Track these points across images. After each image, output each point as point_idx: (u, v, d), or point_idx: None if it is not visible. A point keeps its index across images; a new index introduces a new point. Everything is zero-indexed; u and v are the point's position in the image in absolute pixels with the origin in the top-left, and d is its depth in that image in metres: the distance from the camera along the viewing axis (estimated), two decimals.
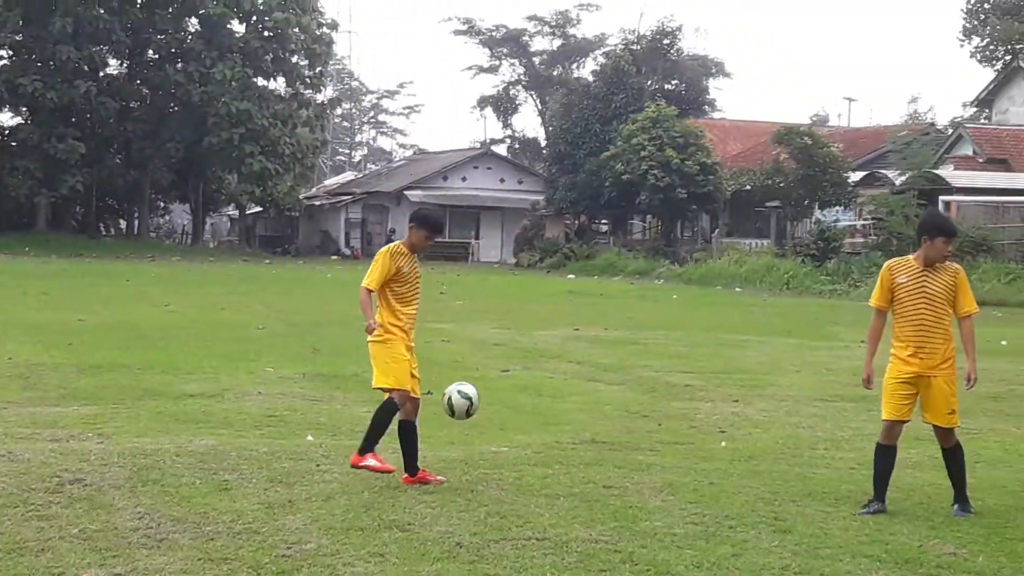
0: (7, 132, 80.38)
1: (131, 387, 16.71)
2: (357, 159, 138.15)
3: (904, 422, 10.35)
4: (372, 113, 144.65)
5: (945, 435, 10.34)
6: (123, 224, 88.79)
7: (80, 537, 8.82)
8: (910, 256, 10.60)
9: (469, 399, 11.32)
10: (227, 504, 9.91)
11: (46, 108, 73.24)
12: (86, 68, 75.25)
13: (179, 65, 76.86)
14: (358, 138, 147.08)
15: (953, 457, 10.38)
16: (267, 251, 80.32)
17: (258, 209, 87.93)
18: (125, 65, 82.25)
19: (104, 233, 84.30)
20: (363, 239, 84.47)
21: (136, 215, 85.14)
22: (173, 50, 78.27)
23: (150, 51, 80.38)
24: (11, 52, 77.32)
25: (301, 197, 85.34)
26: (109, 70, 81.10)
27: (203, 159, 78.21)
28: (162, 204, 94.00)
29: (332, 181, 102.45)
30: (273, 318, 29.21)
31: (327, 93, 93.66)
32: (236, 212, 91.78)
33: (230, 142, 74.68)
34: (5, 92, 73.12)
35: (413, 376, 11.19)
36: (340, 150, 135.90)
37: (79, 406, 15.01)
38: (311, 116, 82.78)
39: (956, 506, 10.22)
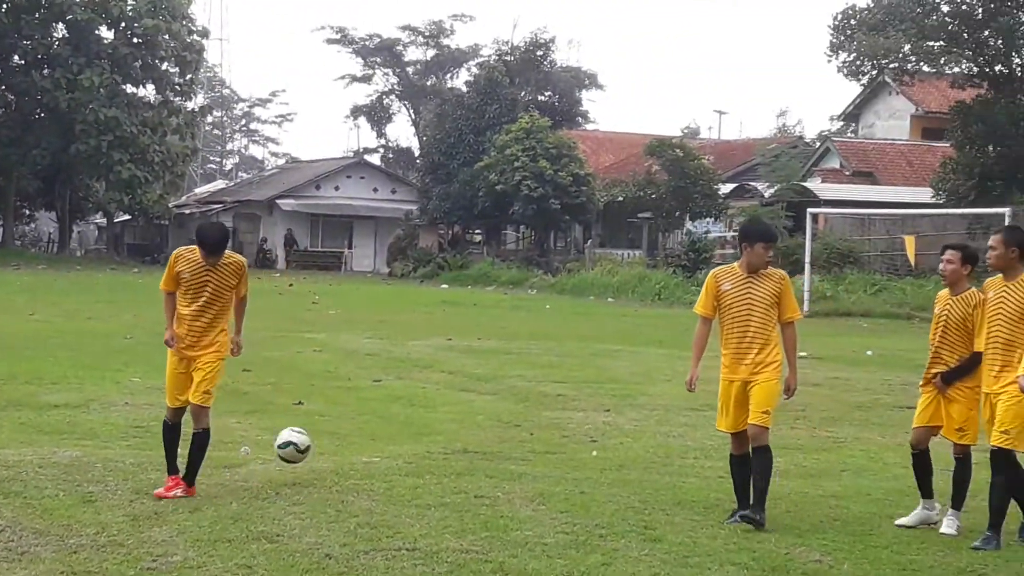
0: None
1: None
2: (228, 167, 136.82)
3: (738, 433, 10.33)
4: (244, 121, 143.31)
5: (757, 433, 10.18)
6: None
7: None
8: (735, 264, 10.60)
9: (290, 445, 11.06)
10: (91, 516, 9.72)
11: None
12: None
13: (46, 71, 75.42)
14: (229, 146, 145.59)
15: (759, 458, 10.18)
16: (136, 260, 79.13)
17: (127, 217, 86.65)
18: None
19: None
20: (234, 248, 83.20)
21: (0, 223, 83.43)
22: (40, 56, 76.76)
23: (15, 57, 78.69)
24: None
25: (171, 205, 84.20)
26: None
27: (70, 166, 76.81)
28: (27, 212, 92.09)
29: (203, 189, 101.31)
30: (141, 328, 28.74)
31: (198, 101, 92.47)
32: (104, 220, 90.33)
33: (98, 149, 73.46)
34: None
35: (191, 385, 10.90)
36: (211, 158, 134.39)
37: None
38: (181, 124, 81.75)
39: (743, 513, 10.07)
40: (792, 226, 49.93)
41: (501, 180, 64.89)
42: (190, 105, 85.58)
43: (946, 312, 10.34)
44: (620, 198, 64.39)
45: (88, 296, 41.22)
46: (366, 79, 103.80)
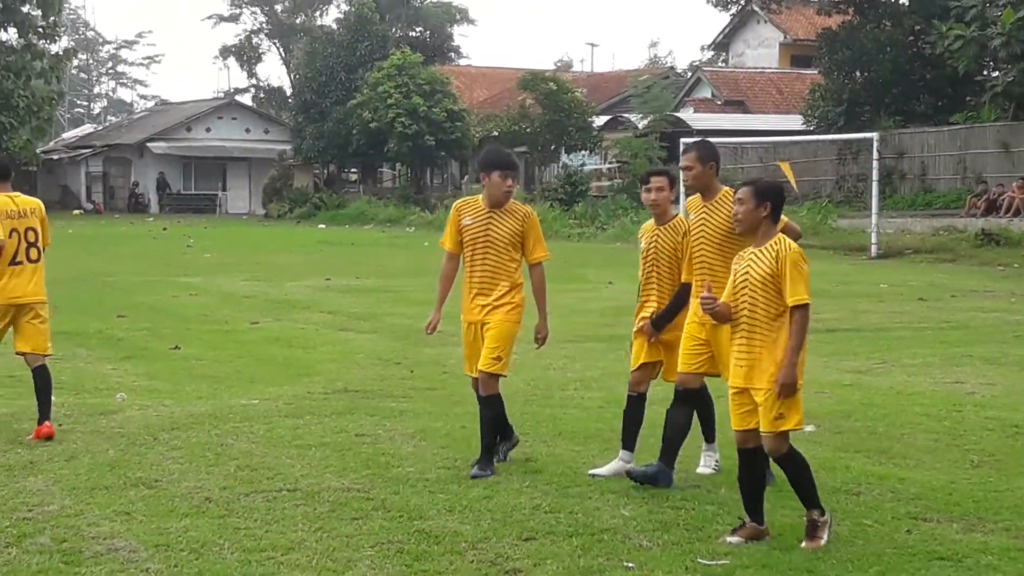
0: None
1: None
2: (97, 111, 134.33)
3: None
4: (110, 64, 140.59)
5: (483, 380, 9.49)
6: None
7: None
8: (480, 196, 9.77)
9: None
10: None
11: None
12: None
13: None
14: (96, 90, 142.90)
15: (485, 408, 9.58)
16: None
17: None
18: None
19: None
20: (105, 193, 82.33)
21: None
22: None
23: None
24: None
25: (38, 151, 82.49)
26: None
27: None
28: None
29: (71, 134, 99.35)
30: None
31: (62, 44, 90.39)
32: None
33: None
34: None
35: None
36: (78, 102, 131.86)
37: None
38: (46, 68, 79.81)
39: (476, 467, 9.42)
40: (667, 156, 50.26)
41: (375, 118, 64.58)
42: (54, 48, 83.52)
43: (655, 244, 9.40)
44: (495, 133, 64.31)
45: None
46: (234, 19, 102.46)
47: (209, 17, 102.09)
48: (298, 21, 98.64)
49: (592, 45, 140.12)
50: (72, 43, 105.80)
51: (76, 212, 76.14)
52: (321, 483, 9.04)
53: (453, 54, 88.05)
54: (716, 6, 62.05)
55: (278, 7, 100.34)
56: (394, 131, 63.76)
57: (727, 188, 8.89)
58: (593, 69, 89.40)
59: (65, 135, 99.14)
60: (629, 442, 9.45)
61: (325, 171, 79.46)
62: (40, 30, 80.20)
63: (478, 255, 9.54)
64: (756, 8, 64.99)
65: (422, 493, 8.77)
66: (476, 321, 9.53)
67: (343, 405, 12.25)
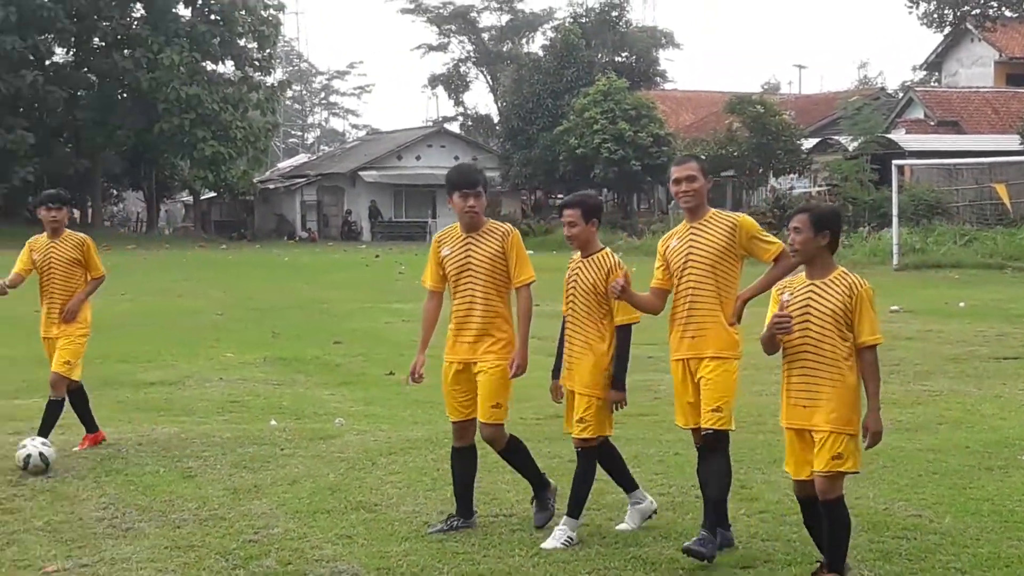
0: None
1: (91, 377, 16.45)
2: (310, 141, 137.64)
3: (462, 422, 8.85)
4: (323, 94, 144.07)
5: (486, 434, 8.80)
6: (76, 214, 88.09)
7: (45, 529, 8.78)
8: (456, 224, 8.95)
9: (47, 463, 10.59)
10: (192, 491, 9.88)
11: None
12: (31, 57, 74.40)
13: (126, 52, 76.09)
14: (310, 120, 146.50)
15: (504, 456, 9.04)
16: (223, 236, 79.84)
17: (212, 194, 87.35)
18: (71, 53, 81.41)
19: None
20: (319, 221, 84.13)
21: (89, 204, 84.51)
22: (119, 36, 77.51)
23: (96, 38, 79.54)
24: None
25: (255, 181, 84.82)
26: (55, 58, 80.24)
27: (155, 145, 77.52)
28: (115, 192, 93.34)
29: (286, 164, 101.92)
30: (231, 303, 29.09)
31: (277, 75, 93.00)
32: (190, 198, 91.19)
33: (181, 128, 74.11)
34: None
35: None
36: (292, 132, 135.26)
37: (39, 398, 14.85)
38: (262, 99, 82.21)
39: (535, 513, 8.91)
40: (878, 179, 49.34)
41: (581, 143, 64.76)
42: (269, 80, 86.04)
43: (574, 278, 8.61)
44: (702, 157, 63.71)
45: (177, 274, 41.70)
46: (442, 48, 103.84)
47: (418, 47, 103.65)
48: (505, 49, 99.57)
49: (800, 67, 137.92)
50: (287, 75, 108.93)
51: (290, 240, 77.97)
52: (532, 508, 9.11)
53: (659, 79, 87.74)
54: (928, 26, 60.77)
55: (485, 36, 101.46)
56: (600, 157, 63.86)
57: (715, 209, 8.32)
58: (801, 91, 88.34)
59: (280, 165, 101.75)
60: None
61: (532, 197, 79.98)
62: (256, 63, 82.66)
63: (460, 285, 8.75)
64: (970, 27, 63.48)
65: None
66: (459, 359, 8.76)
67: (555, 431, 12.31)
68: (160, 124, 74.29)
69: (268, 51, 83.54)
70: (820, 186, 58.47)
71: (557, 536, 8.30)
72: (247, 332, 22.72)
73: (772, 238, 8.22)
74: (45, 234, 11.68)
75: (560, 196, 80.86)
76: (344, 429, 12.62)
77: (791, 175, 60.83)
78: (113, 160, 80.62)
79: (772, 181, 61.24)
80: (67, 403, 11.59)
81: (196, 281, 37.75)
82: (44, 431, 11.19)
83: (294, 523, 8.86)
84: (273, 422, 13.13)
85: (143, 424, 13.00)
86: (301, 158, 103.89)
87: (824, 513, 7.25)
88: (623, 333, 8.43)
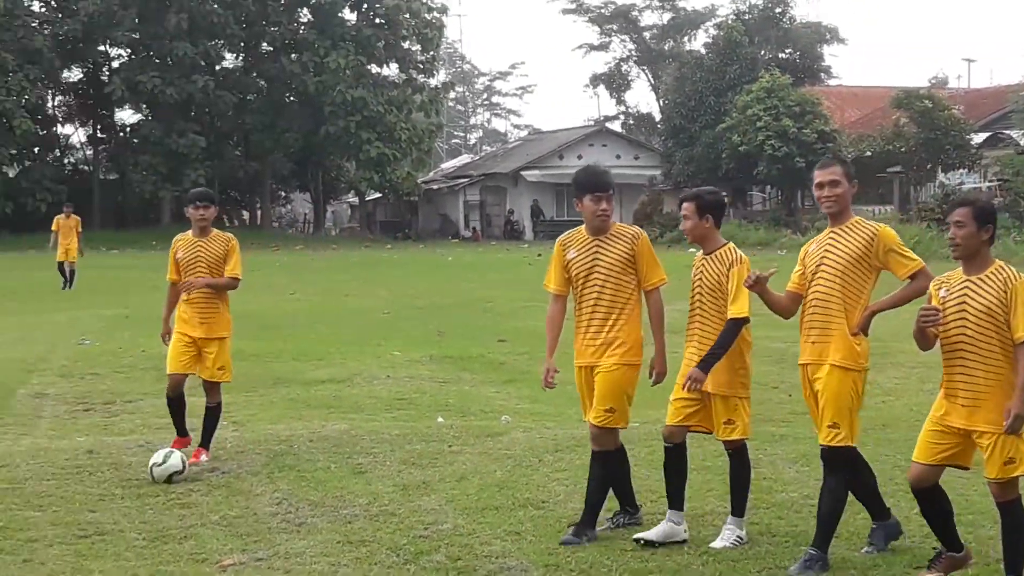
0: (129, 129, 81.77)
1: (262, 375, 16.93)
2: (472, 141, 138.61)
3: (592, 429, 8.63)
4: (485, 95, 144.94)
5: (595, 435, 8.60)
6: (246, 215, 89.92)
7: (221, 523, 8.98)
8: (583, 227, 8.82)
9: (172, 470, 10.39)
10: (363, 487, 10.03)
11: (165, 104, 74.19)
12: (202, 63, 76.18)
13: (293, 56, 77.57)
14: (472, 120, 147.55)
15: (596, 465, 8.65)
16: (388, 236, 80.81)
17: (377, 195, 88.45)
18: (240, 58, 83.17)
19: (228, 224, 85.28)
20: (482, 221, 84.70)
21: (258, 206, 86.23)
22: (287, 41, 79.00)
23: (264, 43, 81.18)
24: (129, 50, 78.53)
25: (419, 182, 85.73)
26: (225, 64, 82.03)
27: (321, 148, 78.82)
28: (283, 194, 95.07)
29: (449, 164, 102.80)
30: (397, 302, 29.43)
31: (440, 77, 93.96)
32: (356, 199, 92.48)
33: (347, 130, 75.25)
34: (125, 90, 74.20)
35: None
36: (455, 133, 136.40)
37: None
38: (425, 101, 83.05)
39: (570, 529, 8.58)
40: None
41: (744, 141, 64.29)
42: (433, 82, 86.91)
43: (699, 275, 8.58)
44: (868, 153, 62.97)
45: (344, 274, 42.31)
46: (603, 47, 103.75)
47: (579, 47, 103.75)
48: (667, 47, 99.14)
49: (969, 61, 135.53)
50: (449, 77, 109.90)
51: (454, 240, 78.62)
52: (704, 506, 9.10)
53: (823, 74, 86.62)
54: None
55: (647, 34, 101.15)
56: (764, 154, 63.33)
57: (859, 217, 8.11)
58: (970, 85, 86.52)
59: (444, 165, 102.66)
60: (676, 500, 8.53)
61: None
62: (420, 65, 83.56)
63: (587, 289, 8.63)
64: None
65: (808, 519, 8.70)
66: (585, 364, 8.66)
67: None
68: (326, 127, 75.51)
69: (431, 53, 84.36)
70: (990, 181, 57.29)
71: (726, 536, 8.27)
72: (413, 330, 22.96)
73: (912, 255, 7.97)
74: (191, 232, 11.54)
75: (724, 193, 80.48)
76: (510, 426, 12.70)
77: (960, 170, 59.64)
78: (281, 162, 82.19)
79: (941, 177, 60.09)
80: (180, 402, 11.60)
81: (363, 280, 38.25)
82: (206, 440, 11.34)
83: (463, 519, 8.95)
84: (440, 419, 13.26)
85: (314, 421, 13.22)
86: (464, 158, 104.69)
87: (1001, 516, 7.13)
88: (732, 326, 8.34)
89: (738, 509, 8.35)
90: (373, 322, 24.89)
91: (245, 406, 14.35)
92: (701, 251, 8.59)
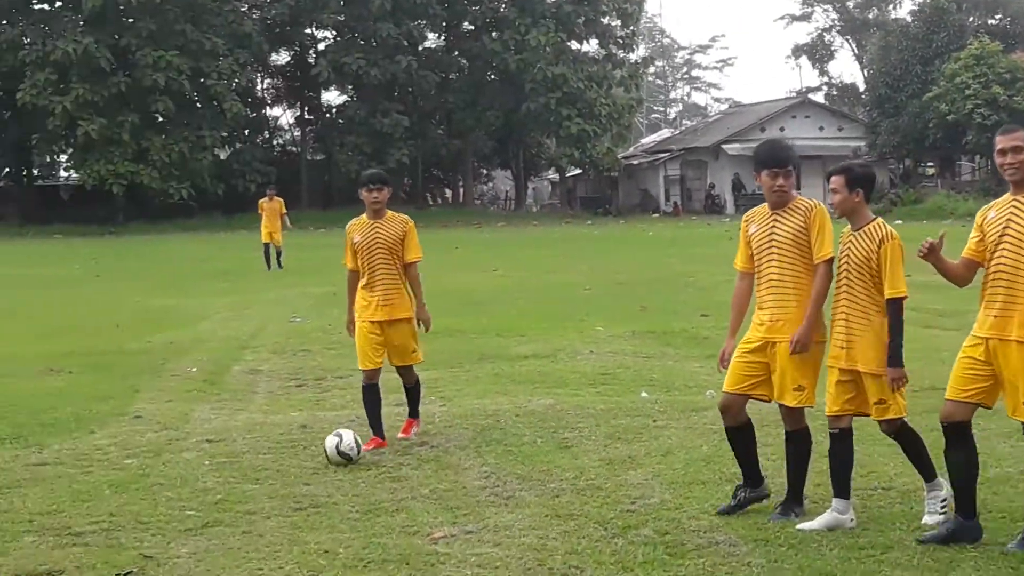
0: (335, 110, 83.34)
1: (467, 351, 17.14)
2: (672, 116, 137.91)
3: (740, 396, 8.47)
4: (685, 69, 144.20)
5: (789, 415, 8.45)
6: (448, 193, 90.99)
7: (431, 497, 9.13)
8: (766, 203, 8.64)
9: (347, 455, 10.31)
10: (569, 461, 10.10)
11: (370, 85, 75.44)
12: (406, 43, 77.22)
13: (494, 34, 78.16)
14: (672, 95, 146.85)
15: (796, 445, 8.52)
16: (588, 212, 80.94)
17: (577, 171, 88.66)
18: (442, 38, 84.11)
19: (431, 203, 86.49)
20: (683, 195, 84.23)
21: (460, 184, 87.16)
22: (488, 20, 79.65)
23: (466, 23, 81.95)
24: (335, 32, 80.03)
25: (619, 157, 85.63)
26: (427, 44, 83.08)
27: (522, 125, 79.32)
28: (484, 172, 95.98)
29: (648, 139, 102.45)
30: (598, 278, 29.48)
31: (639, 52, 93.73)
32: (556, 176, 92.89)
33: (547, 107, 75.59)
34: (331, 71, 75.70)
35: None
36: (655, 108, 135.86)
37: (419, 371, 15.50)
38: (625, 76, 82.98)
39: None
40: None
41: (952, 110, 62.89)
42: (632, 57, 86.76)
43: (846, 253, 8.15)
44: None
45: (546, 250, 42.53)
46: (805, 17, 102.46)
47: (781, 17, 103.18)
48: (871, 16, 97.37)
49: None
50: (649, 51, 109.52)
51: (654, 215, 78.39)
52: (916, 482, 8.94)
53: None
54: None
55: (850, 3, 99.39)
56: (973, 123, 61.81)
57: None
58: None
59: (643, 140, 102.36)
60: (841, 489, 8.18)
61: (900, 166, 77.99)
62: (619, 40, 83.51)
63: (764, 263, 8.42)
64: None
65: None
66: (762, 339, 8.35)
67: (931, 403, 12.01)
68: (527, 104, 75.95)
69: (631, 28, 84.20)
70: None
71: (931, 512, 8.10)
72: (615, 306, 22.98)
73: None
74: (365, 215, 11.35)
75: (930, 164, 78.57)
76: (714, 401, 12.62)
77: None
78: (482, 140, 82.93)
79: None
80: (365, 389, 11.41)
81: (564, 256, 38.40)
82: (413, 411, 11.52)
83: (670, 494, 8.96)
84: (644, 394, 13.27)
85: (519, 396, 13.34)
86: (664, 133, 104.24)
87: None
88: (894, 307, 7.91)
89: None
90: (575, 297, 24.98)
91: (452, 381, 14.56)
92: (849, 226, 8.23)
